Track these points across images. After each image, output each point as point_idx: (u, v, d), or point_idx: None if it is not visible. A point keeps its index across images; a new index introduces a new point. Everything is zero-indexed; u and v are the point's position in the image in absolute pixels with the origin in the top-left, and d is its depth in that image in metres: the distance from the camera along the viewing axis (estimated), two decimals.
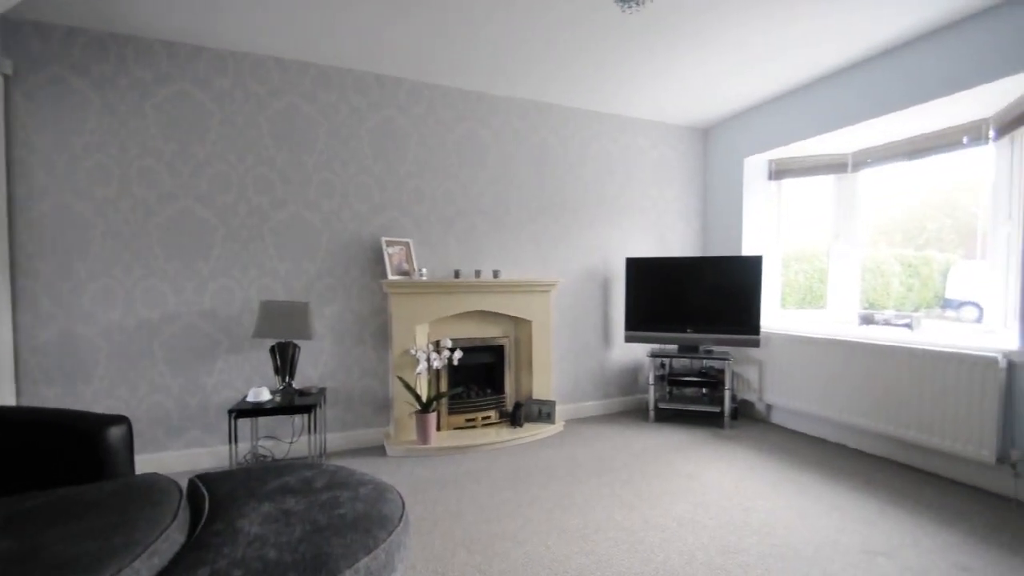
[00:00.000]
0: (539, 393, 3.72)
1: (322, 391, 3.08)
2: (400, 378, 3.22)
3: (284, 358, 2.95)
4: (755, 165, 4.13)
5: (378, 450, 3.29)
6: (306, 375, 3.22)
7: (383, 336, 3.42)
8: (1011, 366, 2.49)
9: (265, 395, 2.79)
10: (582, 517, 2.33)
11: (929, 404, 2.77)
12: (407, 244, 3.42)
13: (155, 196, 2.88)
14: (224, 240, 3.03)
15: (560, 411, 3.85)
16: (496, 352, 3.72)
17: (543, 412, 3.64)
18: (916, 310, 3.72)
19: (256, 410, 2.69)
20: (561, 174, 3.95)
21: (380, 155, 3.38)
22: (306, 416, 3.01)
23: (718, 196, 4.38)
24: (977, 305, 3.87)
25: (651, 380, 3.86)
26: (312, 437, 2.96)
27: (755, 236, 4.15)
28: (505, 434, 3.43)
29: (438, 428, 3.45)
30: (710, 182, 4.47)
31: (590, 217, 4.07)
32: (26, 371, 2.66)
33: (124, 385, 2.85)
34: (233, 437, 2.63)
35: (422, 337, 3.40)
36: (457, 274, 3.52)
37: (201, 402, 3.01)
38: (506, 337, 3.73)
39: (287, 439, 3.14)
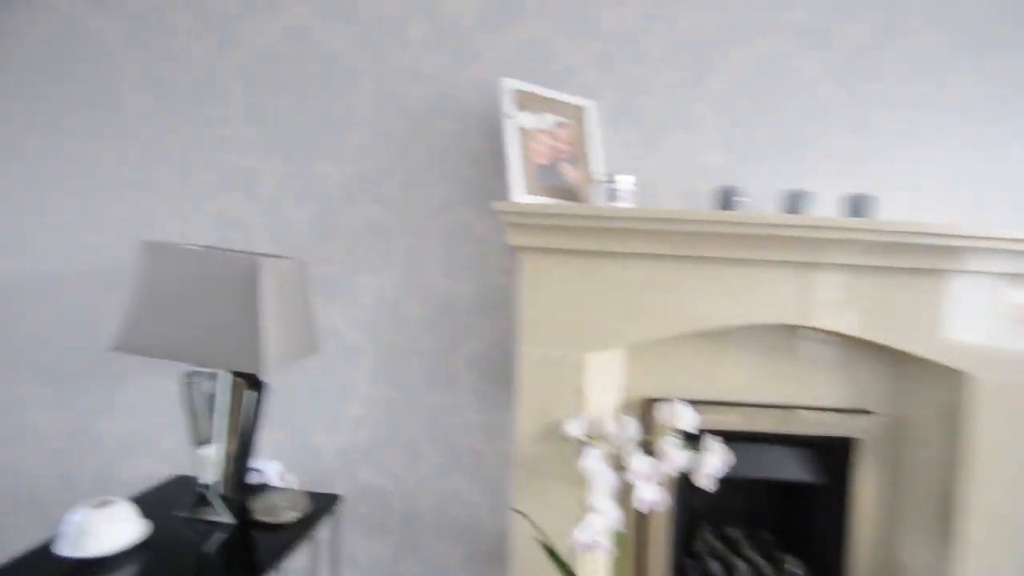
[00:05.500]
0: None
1: (330, 503, 1.08)
2: (526, 517, 1.01)
3: (203, 411, 1.04)
4: None
5: None
6: (303, 455, 1.26)
7: (501, 367, 1.27)
8: None
9: (125, 531, 0.91)
10: None
11: None
12: (579, 113, 1.19)
13: None
14: None
15: None
16: (829, 460, 1.20)
17: None
18: None
19: None
20: None
21: None
22: None
23: None
24: None
25: None
26: None
27: None
28: None
29: None
30: None
31: None
32: None
33: None
34: None
35: (604, 389, 1.12)
36: (726, 200, 1.13)
37: None
38: (868, 417, 1.20)
39: None
